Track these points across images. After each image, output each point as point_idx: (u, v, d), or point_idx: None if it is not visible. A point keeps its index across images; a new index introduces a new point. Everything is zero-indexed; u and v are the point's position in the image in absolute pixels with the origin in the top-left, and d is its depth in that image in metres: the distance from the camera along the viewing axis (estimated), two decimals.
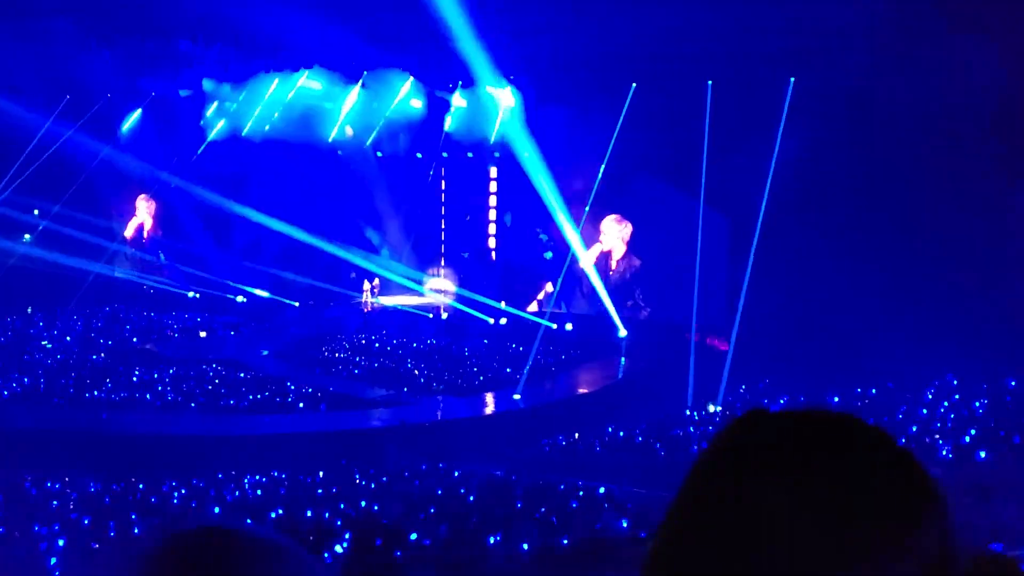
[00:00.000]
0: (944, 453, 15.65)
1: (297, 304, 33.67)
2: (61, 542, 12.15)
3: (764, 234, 25.39)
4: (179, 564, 0.77)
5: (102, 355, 27.84)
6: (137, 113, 35.36)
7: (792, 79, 25.42)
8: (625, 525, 13.36)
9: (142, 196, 36.55)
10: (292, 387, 24.47)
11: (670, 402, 23.69)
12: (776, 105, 25.51)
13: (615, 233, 31.08)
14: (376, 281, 34.11)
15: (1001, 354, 20.32)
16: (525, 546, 12.04)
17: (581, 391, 25.09)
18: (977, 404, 19.41)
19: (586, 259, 30.38)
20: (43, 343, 29.12)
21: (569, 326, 29.95)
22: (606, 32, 26.03)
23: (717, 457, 0.86)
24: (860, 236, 23.75)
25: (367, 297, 33.94)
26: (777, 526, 0.78)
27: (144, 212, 36.95)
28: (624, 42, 26.16)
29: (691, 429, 20.50)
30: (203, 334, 31.56)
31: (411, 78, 32.92)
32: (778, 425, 0.85)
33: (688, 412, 22.52)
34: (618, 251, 31.19)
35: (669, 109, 27.13)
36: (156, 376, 25.25)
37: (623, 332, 29.03)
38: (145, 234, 37.13)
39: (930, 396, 20.59)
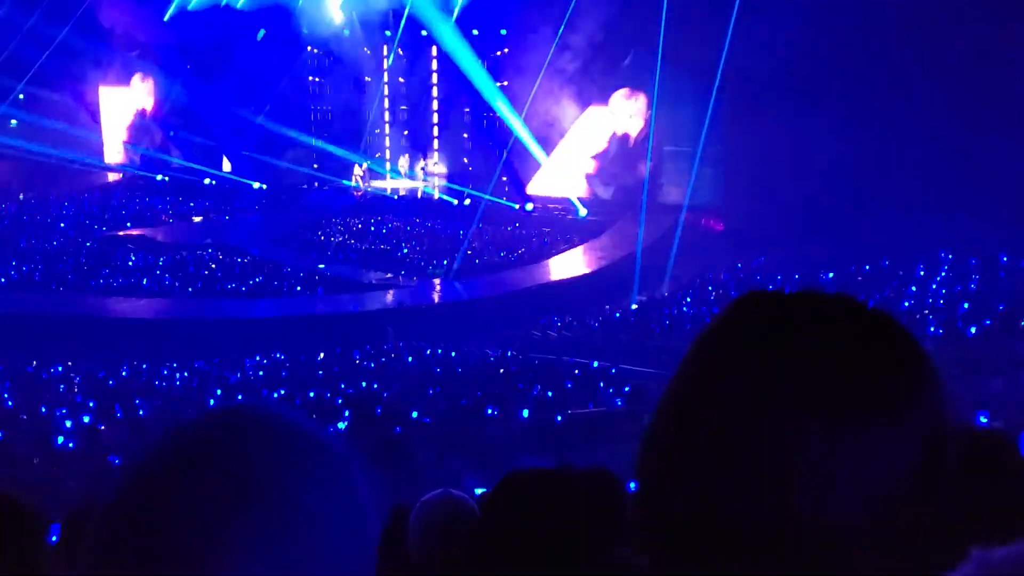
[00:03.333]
0: (933, 329, 15.83)
1: (264, 186, 33.43)
2: (68, 423, 12.38)
3: (752, 106, 25.01)
4: (207, 446, 0.76)
5: (96, 242, 27.78)
6: None
7: None
8: (620, 403, 13.63)
9: (138, 75, 35.64)
10: (288, 271, 24.55)
11: (663, 282, 23.87)
12: None
13: (629, 111, 29.76)
14: (365, 165, 33.83)
15: (993, 228, 20.33)
16: (524, 413, 12.30)
17: (578, 273, 25.18)
18: (970, 279, 19.55)
19: (585, 149, 29.96)
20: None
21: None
22: None
23: (719, 336, 0.86)
24: (849, 106, 23.39)
25: (358, 181, 33.74)
26: (777, 400, 0.80)
27: (143, 92, 36.11)
28: None
29: (685, 309, 20.68)
30: (197, 219, 31.44)
31: None
32: (778, 305, 0.86)
33: (679, 293, 22.66)
34: (635, 129, 30.13)
35: None
36: (151, 261, 25.28)
37: (583, 212, 29.39)
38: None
39: (921, 272, 20.73)
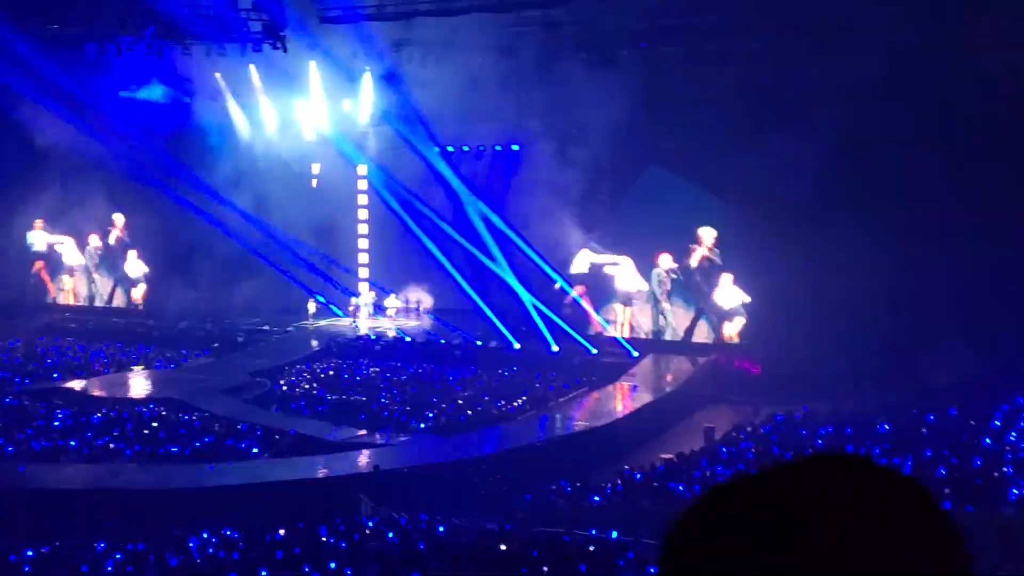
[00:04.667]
0: (1015, 491, 15.55)
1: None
2: None
3: (799, 229, 25.42)
4: None
5: (17, 398, 27.59)
6: None
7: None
8: None
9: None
10: (243, 429, 24.29)
11: (693, 436, 23.64)
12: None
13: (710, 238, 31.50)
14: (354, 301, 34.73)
15: None
16: None
17: (590, 425, 24.96)
18: None
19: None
20: None
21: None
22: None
23: (693, 545, 0.90)
24: (912, 228, 23.74)
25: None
26: None
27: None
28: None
29: (719, 468, 20.42)
30: (137, 369, 31.37)
31: None
32: (748, 496, 0.87)
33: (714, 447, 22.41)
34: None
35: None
36: (84, 420, 25.03)
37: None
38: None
39: (998, 423, 20.56)
